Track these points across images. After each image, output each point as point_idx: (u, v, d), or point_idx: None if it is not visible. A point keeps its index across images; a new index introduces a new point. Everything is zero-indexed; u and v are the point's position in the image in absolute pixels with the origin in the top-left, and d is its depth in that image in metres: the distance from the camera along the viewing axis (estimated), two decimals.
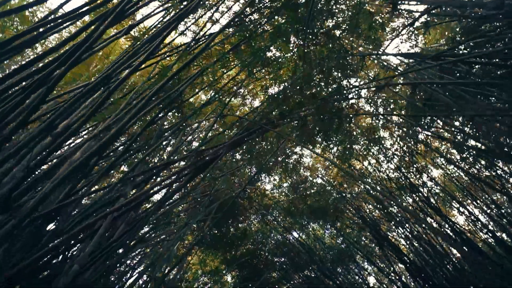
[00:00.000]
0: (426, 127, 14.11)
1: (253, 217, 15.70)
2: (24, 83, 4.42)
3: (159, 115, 6.41)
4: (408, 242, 12.66)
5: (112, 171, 8.06)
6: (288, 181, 15.08)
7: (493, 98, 11.08)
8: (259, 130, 6.92)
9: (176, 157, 6.47)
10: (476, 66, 10.15)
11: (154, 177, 6.00)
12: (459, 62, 9.71)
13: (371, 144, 14.59)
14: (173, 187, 6.25)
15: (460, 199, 13.51)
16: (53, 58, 4.45)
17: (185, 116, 6.20)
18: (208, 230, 15.05)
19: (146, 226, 11.14)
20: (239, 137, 7.37)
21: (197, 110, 6.29)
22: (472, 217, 13.10)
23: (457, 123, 16.06)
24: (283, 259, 16.52)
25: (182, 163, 10.47)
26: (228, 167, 12.27)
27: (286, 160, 15.27)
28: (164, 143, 7.93)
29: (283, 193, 15.26)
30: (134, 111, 4.43)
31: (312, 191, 15.03)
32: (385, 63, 10.81)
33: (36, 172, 4.98)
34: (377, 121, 14.49)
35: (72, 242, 5.22)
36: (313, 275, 15.87)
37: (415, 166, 13.66)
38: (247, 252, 15.61)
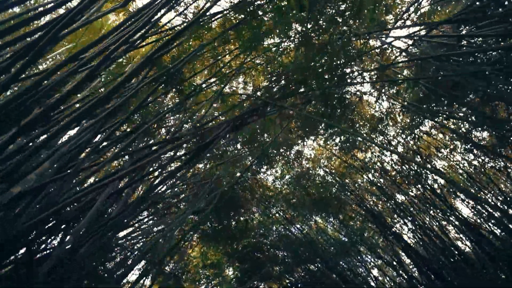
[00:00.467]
0: (430, 115, 13.89)
1: (255, 209, 15.48)
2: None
3: (158, 92, 6.22)
4: (413, 232, 12.43)
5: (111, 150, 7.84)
6: (290, 172, 14.87)
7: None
8: (262, 109, 6.72)
9: (176, 135, 6.27)
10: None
11: (153, 155, 5.81)
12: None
13: (375, 135, 14.39)
14: (172, 166, 6.06)
15: (467, 189, 13.23)
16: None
17: (185, 95, 6.01)
18: (209, 221, 14.87)
19: (146, 212, 10.96)
20: (240, 117, 7.17)
21: (197, 87, 6.08)
22: (479, 207, 12.87)
23: (461, 114, 15.87)
24: (285, 252, 16.30)
25: (182, 153, 10.31)
26: (228, 156, 12.07)
27: (288, 151, 15.07)
28: (164, 121, 7.73)
29: (285, 185, 15.05)
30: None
31: (315, 182, 14.82)
32: (390, 46, 10.58)
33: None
34: (380, 110, 14.30)
35: (68, 218, 5.03)
36: (316, 269, 15.65)
37: (419, 156, 13.44)
38: (249, 246, 15.41)
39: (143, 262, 11.53)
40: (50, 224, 4.62)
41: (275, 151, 14.68)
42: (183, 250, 13.55)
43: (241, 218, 15.88)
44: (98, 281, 7.91)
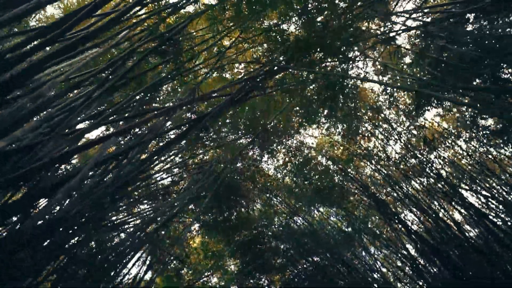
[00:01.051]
0: (433, 103, 13.67)
1: (257, 199, 15.24)
2: None
3: (154, 57, 6.04)
4: (419, 220, 12.15)
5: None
6: (292, 161, 14.63)
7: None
8: (264, 76, 6.49)
9: (174, 103, 6.07)
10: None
11: (148, 123, 5.61)
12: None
13: (377, 123, 14.16)
14: (170, 136, 5.84)
15: (473, 176, 12.95)
16: None
17: (184, 61, 5.81)
18: (210, 212, 14.62)
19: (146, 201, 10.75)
20: (240, 90, 6.95)
21: (196, 54, 5.89)
22: (485, 195, 12.59)
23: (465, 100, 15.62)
24: (287, 244, 16.00)
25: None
26: (227, 145, 11.84)
27: (290, 140, 14.85)
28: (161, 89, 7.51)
29: (287, 174, 14.80)
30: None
31: (317, 171, 14.58)
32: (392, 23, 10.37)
33: None
34: (383, 97, 14.07)
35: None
36: (319, 261, 15.34)
37: (425, 142, 13.19)
38: (250, 237, 15.15)
39: (141, 251, 11.33)
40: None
41: (276, 140, 14.47)
42: (183, 240, 13.30)
43: (243, 210, 15.64)
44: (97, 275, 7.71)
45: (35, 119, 4.65)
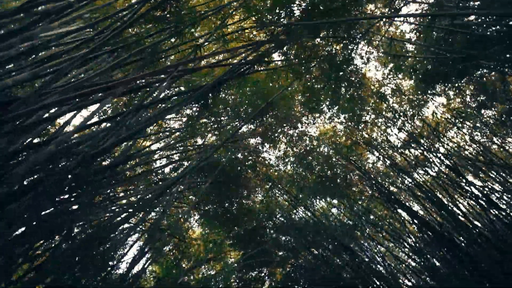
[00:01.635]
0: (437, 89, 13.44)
1: (258, 190, 14.94)
2: None
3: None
4: (425, 211, 11.84)
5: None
6: (294, 151, 14.34)
7: None
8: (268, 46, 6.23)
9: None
10: None
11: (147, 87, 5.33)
12: None
13: (381, 112, 13.92)
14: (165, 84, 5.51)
15: (478, 165, 12.68)
16: None
17: (182, 27, 5.55)
18: (210, 202, 14.32)
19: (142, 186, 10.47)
20: (242, 64, 6.68)
21: (196, 17, 5.62)
22: (492, 182, 12.34)
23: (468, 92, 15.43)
24: (289, 237, 15.68)
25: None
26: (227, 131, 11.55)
27: (292, 129, 14.59)
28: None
29: (289, 164, 14.52)
30: None
31: (319, 161, 14.30)
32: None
33: None
34: (386, 85, 13.85)
35: None
36: (321, 253, 15.00)
37: (431, 130, 12.95)
38: (251, 229, 14.82)
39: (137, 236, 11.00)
40: None
41: (278, 129, 14.20)
42: (182, 231, 12.99)
43: (243, 201, 15.34)
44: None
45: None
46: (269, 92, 9.10)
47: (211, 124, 10.35)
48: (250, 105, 9.93)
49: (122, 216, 6.55)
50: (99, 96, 4.94)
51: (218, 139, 10.86)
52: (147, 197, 7.79)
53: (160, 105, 5.52)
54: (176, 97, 6.25)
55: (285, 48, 7.71)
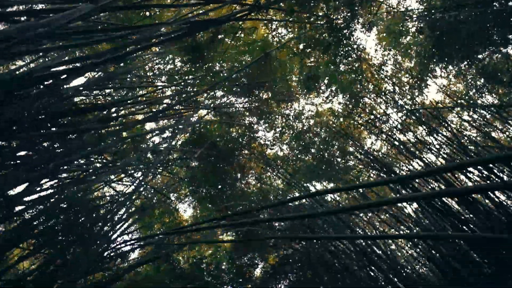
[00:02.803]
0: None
1: (252, 172, 14.46)
2: None
3: None
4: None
5: None
6: (291, 132, 13.90)
7: None
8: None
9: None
10: None
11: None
12: None
13: (380, 94, 13.56)
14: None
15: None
16: None
17: None
18: (203, 183, 13.79)
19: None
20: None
21: None
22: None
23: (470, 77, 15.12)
24: (282, 223, 15.17)
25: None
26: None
27: (288, 109, 14.18)
28: None
29: (285, 142, 14.07)
30: None
31: (316, 143, 13.87)
32: None
33: None
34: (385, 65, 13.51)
35: None
36: (315, 241, 14.50)
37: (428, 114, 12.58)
38: (245, 211, 14.28)
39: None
40: None
41: (275, 109, 13.78)
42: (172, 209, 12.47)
43: (237, 184, 14.86)
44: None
45: None
46: (265, 45, 8.68)
47: (205, 84, 9.79)
48: (246, 54, 9.47)
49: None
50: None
51: (211, 104, 10.39)
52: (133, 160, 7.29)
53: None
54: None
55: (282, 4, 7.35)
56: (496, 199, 8.14)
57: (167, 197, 10.50)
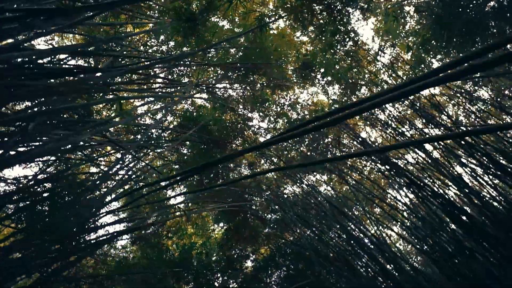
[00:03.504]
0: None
1: (245, 162, 14.12)
2: None
3: None
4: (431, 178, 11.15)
5: None
6: (285, 120, 13.58)
7: None
8: None
9: None
10: None
11: None
12: None
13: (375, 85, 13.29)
14: None
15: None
16: None
17: None
18: (194, 171, 13.38)
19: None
20: None
21: None
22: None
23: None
24: (274, 215, 14.85)
25: None
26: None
27: (283, 98, 13.87)
28: None
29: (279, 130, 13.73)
30: None
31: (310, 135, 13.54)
32: None
33: None
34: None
35: None
36: (307, 232, 14.22)
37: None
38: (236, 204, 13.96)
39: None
40: None
41: (270, 99, 13.43)
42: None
43: (230, 175, 14.51)
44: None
45: None
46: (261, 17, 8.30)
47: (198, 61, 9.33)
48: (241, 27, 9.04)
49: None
50: None
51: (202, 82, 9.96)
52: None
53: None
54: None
55: None
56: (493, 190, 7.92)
57: (159, 173, 10.10)
